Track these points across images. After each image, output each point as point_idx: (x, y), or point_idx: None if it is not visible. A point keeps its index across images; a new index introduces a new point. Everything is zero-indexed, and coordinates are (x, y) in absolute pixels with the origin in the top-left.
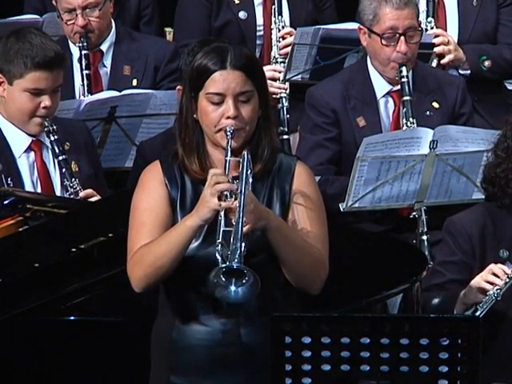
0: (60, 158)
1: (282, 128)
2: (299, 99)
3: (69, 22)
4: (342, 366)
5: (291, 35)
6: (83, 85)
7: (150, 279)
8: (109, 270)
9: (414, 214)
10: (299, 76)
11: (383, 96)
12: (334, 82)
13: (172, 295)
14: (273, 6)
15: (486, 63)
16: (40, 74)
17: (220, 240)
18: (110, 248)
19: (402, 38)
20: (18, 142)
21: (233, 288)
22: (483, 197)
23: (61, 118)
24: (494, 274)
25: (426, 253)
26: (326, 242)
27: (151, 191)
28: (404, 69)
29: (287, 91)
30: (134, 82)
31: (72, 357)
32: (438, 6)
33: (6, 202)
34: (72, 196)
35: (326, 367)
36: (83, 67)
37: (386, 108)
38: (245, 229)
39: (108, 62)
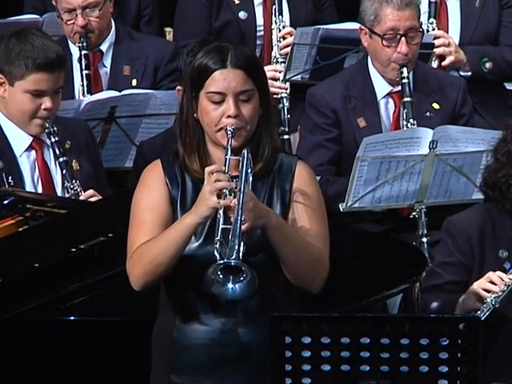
0: (61, 159)
1: (282, 128)
2: (299, 99)
3: (69, 22)
4: (342, 366)
5: (291, 35)
6: (83, 85)
7: (148, 277)
8: (109, 270)
9: (414, 214)
10: (299, 76)
11: (384, 97)
12: (334, 82)
13: (172, 294)
14: (273, 6)
15: (487, 65)
16: (41, 76)
17: (219, 238)
18: (109, 248)
19: (403, 38)
20: (19, 140)
21: (230, 285)
22: (483, 197)
23: (62, 117)
24: (492, 282)
25: (426, 255)
26: (327, 241)
27: (152, 190)
28: (405, 70)
29: (288, 91)
30: (134, 82)
31: (72, 357)
32: (440, 8)
33: (5, 202)
34: (73, 197)
35: (326, 367)
36: (83, 67)
37: (387, 109)
38: (243, 227)
39: (108, 62)
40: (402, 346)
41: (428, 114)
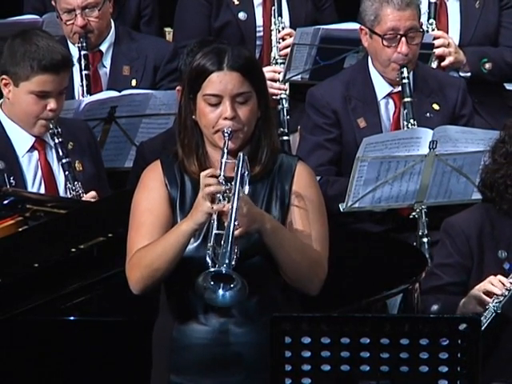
0: (64, 160)
1: (281, 129)
2: (299, 99)
3: (68, 23)
4: (341, 366)
5: (291, 36)
6: (82, 85)
7: (146, 281)
8: (108, 270)
9: (414, 214)
10: (299, 76)
11: (384, 97)
12: (334, 83)
13: (172, 295)
14: (272, 7)
15: (487, 66)
16: (46, 77)
17: (211, 243)
18: (109, 248)
19: (403, 39)
20: (22, 141)
21: (221, 292)
22: (482, 197)
23: (63, 117)
24: (494, 286)
25: (427, 255)
26: (326, 243)
27: (152, 191)
28: (405, 70)
29: (287, 92)
30: (134, 82)
31: (72, 357)
32: (440, 9)
33: (5, 202)
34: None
35: (326, 367)
36: (82, 67)
37: (387, 109)
38: (237, 232)
39: (107, 62)
40: (401, 346)
41: (428, 114)
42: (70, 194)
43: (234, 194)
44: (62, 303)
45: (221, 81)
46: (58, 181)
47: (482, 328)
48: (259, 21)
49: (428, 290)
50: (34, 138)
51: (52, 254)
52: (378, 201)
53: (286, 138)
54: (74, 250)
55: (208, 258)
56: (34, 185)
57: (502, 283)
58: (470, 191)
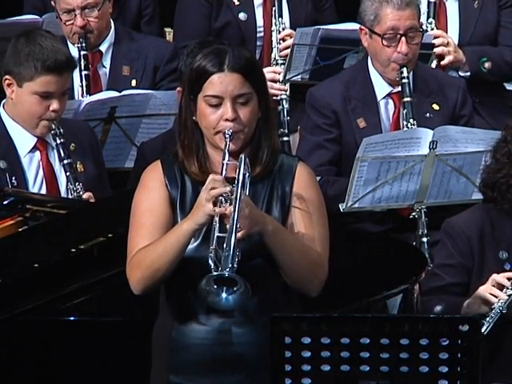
0: (65, 161)
1: (282, 130)
2: (299, 100)
3: (68, 23)
4: (341, 366)
5: (291, 37)
6: (82, 85)
7: (147, 281)
8: (108, 270)
9: (414, 214)
10: (299, 76)
11: (383, 97)
12: (334, 83)
13: (171, 295)
14: (273, 8)
15: (486, 65)
16: (50, 78)
17: (214, 246)
18: (109, 248)
19: (403, 38)
20: (24, 141)
21: (224, 295)
22: (483, 197)
23: (64, 118)
24: (498, 284)
25: (426, 255)
26: (326, 244)
27: (152, 191)
28: (405, 70)
29: (287, 93)
30: (134, 83)
31: (72, 357)
32: (438, 9)
33: (5, 202)
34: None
35: (326, 367)
36: (82, 68)
37: (387, 109)
38: (239, 234)
39: (107, 62)
40: (401, 346)
41: (428, 114)
42: (72, 195)
43: (236, 197)
44: (62, 303)
45: (222, 82)
46: (60, 181)
47: (488, 328)
48: (259, 21)
49: (430, 290)
50: (35, 139)
51: (52, 253)
52: (378, 201)
53: (286, 138)
54: (74, 250)
55: (210, 261)
56: (36, 185)
57: (507, 278)
58: (470, 191)
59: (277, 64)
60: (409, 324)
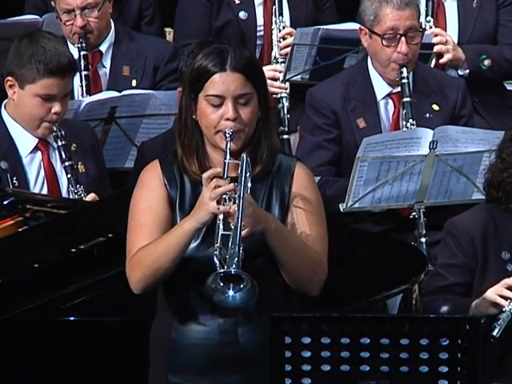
0: (66, 163)
1: (282, 128)
2: (299, 100)
3: (67, 23)
4: (341, 366)
5: (292, 35)
6: (82, 86)
7: (148, 280)
8: (108, 271)
9: (414, 214)
10: (299, 76)
11: (383, 98)
12: (334, 83)
13: (171, 295)
14: (273, 7)
15: (486, 62)
16: (52, 81)
17: (218, 244)
18: (109, 248)
19: (403, 38)
20: (25, 141)
21: (231, 293)
22: (483, 197)
23: (65, 119)
24: (509, 288)
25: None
26: (325, 244)
27: (151, 191)
28: (405, 70)
29: (287, 91)
30: (134, 83)
31: (71, 356)
32: (437, 9)
33: (5, 202)
34: None
35: (326, 367)
36: (82, 68)
37: (386, 110)
38: (243, 233)
39: (107, 62)
40: (401, 346)
41: (428, 115)
42: (73, 196)
43: (239, 195)
44: (62, 303)
45: (223, 82)
46: (61, 182)
47: (499, 331)
48: (260, 20)
49: (434, 290)
50: (37, 139)
51: (52, 253)
52: (378, 201)
53: (286, 136)
54: (74, 250)
55: (216, 259)
56: (37, 185)
57: None
58: (470, 191)
59: (277, 62)
60: (409, 324)
